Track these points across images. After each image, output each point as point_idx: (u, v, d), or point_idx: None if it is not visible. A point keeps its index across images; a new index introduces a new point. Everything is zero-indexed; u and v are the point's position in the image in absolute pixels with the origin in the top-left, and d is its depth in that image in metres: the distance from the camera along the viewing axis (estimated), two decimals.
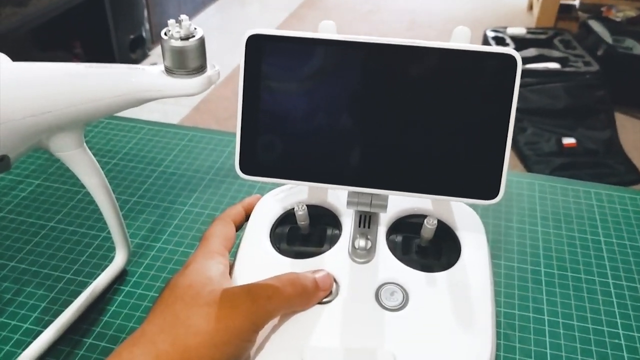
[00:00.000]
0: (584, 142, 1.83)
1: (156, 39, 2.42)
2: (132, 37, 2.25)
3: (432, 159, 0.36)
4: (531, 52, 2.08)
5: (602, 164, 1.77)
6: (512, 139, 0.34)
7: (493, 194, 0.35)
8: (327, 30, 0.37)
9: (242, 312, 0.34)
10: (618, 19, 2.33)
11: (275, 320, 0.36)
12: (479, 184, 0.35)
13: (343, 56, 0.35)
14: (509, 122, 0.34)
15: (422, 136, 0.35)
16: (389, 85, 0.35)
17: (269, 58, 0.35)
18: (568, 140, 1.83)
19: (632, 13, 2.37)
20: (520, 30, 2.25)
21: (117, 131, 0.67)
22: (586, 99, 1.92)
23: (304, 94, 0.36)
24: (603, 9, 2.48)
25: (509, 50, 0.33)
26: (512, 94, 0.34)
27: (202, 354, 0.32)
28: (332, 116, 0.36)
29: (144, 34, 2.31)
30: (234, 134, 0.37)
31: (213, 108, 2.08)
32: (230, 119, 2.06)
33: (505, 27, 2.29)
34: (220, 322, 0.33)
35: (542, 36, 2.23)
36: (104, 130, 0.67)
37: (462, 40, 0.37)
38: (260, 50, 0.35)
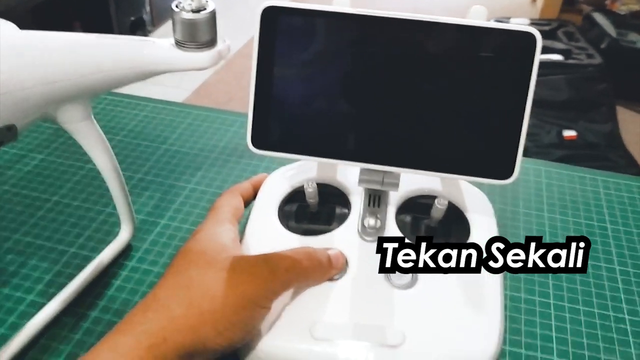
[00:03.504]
0: (584, 134, 1.83)
1: (157, 21, 2.40)
2: (132, 19, 2.23)
3: (447, 136, 0.35)
4: None
5: (602, 157, 1.77)
6: None
7: (507, 173, 0.35)
8: (341, 5, 0.37)
9: (259, 280, 0.34)
10: (622, 12, 2.32)
11: (286, 296, 0.36)
12: (494, 163, 0.35)
13: (360, 31, 0.34)
14: (526, 101, 0.34)
15: (438, 113, 0.35)
16: (405, 61, 0.34)
17: (284, 31, 0.35)
18: (569, 133, 1.83)
19: (636, 7, 2.36)
20: (523, 22, 2.24)
21: (122, 108, 0.66)
22: (588, 92, 1.91)
23: (319, 68, 0.35)
24: (607, 1, 2.47)
25: (529, 28, 0.33)
26: (531, 72, 0.33)
27: (218, 318, 0.32)
28: (346, 92, 0.35)
29: (144, 16, 2.29)
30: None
31: (213, 92, 2.07)
32: (230, 102, 2.05)
33: (509, 18, 2.28)
34: (238, 287, 0.33)
35: (546, 28, 2.22)
36: (108, 107, 0.66)
37: (479, 19, 0.37)
38: (276, 23, 0.35)
